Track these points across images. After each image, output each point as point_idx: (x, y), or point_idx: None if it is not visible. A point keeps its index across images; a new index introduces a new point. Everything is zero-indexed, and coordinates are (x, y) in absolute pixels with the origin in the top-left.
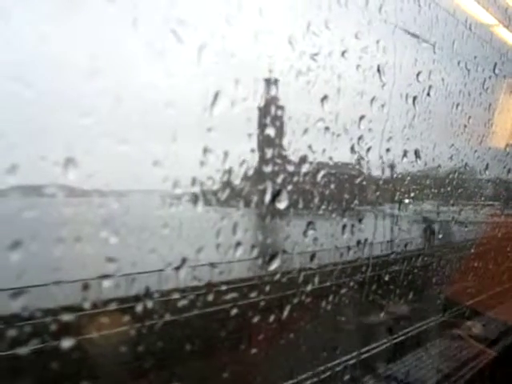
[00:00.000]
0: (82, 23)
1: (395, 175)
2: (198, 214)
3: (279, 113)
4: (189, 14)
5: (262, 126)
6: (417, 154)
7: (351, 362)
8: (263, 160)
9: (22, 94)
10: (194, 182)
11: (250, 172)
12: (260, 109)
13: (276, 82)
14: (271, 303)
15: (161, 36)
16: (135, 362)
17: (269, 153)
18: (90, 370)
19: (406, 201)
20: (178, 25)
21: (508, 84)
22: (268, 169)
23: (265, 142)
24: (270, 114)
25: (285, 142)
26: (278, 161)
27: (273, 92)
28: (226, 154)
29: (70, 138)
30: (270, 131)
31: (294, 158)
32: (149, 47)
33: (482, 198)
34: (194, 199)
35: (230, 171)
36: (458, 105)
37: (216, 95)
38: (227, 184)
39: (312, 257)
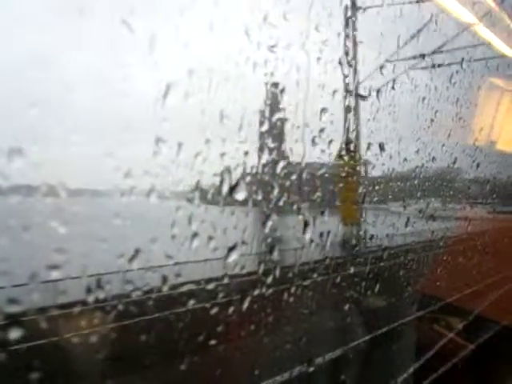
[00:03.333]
0: (30, 13)
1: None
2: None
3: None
4: (140, 3)
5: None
6: (381, 146)
7: None
8: None
9: None
10: (146, 172)
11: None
12: None
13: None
14: None
15: (111, 26)
16: None
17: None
18: None
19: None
20: (128, 15)
21: (476, 79)
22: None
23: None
24: None
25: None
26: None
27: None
28: (179, 145)
29: (18, 127)
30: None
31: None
32: (99, 37)
33: (451, 193)
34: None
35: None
36: (423, 99)
37: (168, 86)
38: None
39: None
